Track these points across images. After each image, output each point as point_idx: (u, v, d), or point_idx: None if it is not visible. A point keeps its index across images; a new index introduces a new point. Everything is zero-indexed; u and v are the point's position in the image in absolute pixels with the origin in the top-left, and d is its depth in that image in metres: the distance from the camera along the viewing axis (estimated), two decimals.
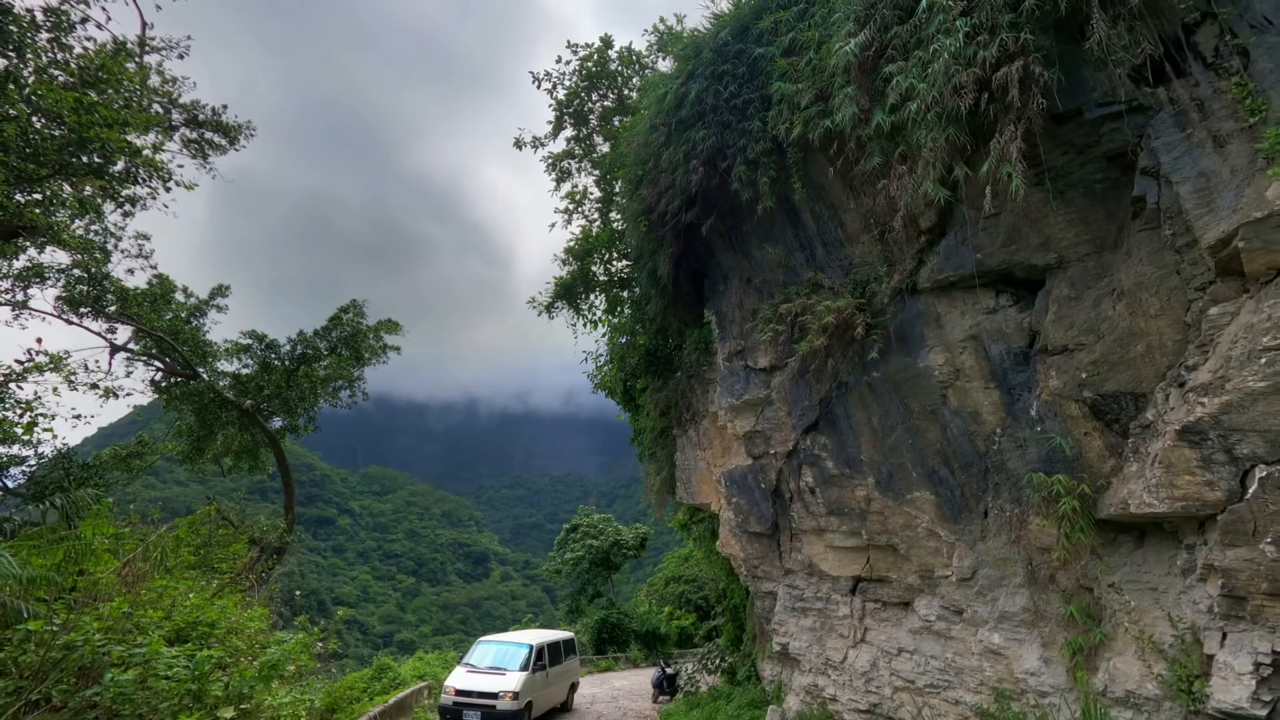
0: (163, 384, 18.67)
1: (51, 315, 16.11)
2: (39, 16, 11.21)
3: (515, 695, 14.23)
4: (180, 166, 21.63)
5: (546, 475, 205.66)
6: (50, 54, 11.34)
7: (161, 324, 17.70)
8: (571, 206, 18.20)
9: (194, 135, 16.12)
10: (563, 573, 35.74)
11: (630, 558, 36.69)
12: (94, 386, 16.56)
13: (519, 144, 18.00)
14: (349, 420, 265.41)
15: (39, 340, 12.25)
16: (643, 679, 23.76)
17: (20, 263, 15.08)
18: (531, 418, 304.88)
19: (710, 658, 18.48)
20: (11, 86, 10.49)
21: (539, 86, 18.03)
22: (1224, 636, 5.62)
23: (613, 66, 17.61)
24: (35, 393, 13.19)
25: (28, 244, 13.33)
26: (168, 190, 14.10)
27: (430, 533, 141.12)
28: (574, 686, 17.89)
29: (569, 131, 18.19)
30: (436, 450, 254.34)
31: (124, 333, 17.67)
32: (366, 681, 16.11)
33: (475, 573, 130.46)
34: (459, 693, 14.37)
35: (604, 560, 35.46)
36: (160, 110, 15.21)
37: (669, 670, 19.40)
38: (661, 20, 17.51)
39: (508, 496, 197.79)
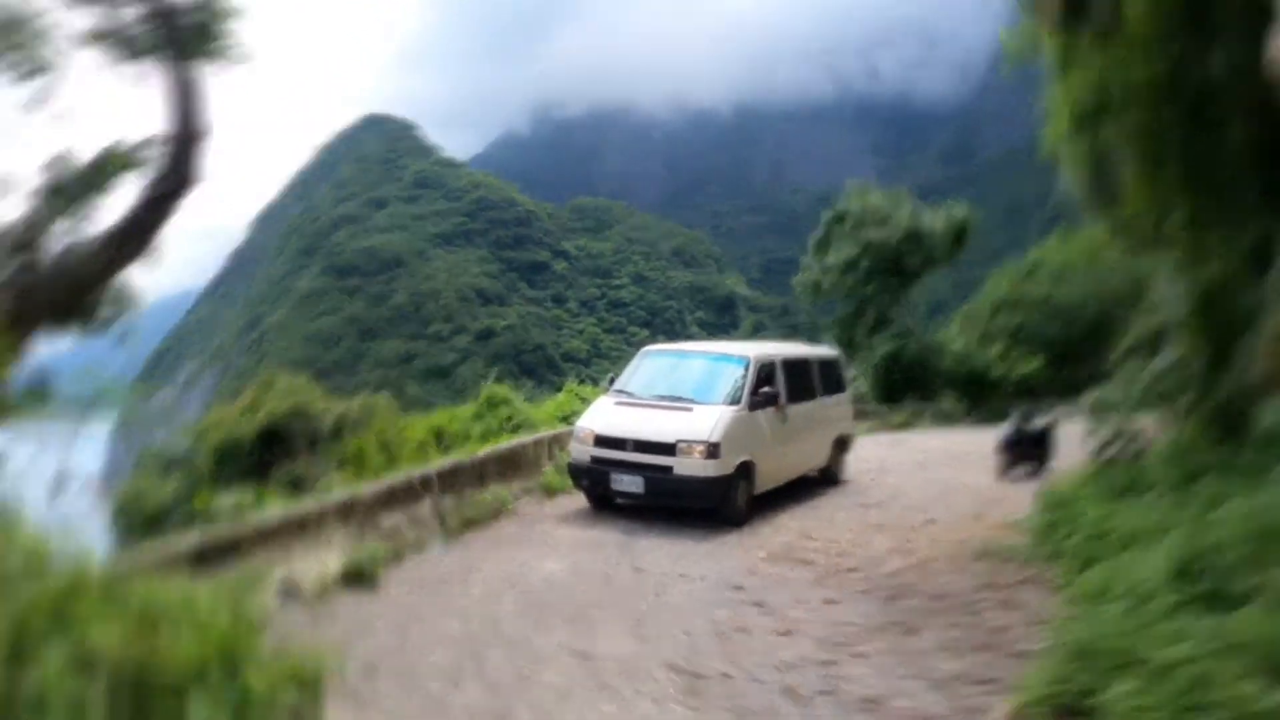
0: None
1: None
2: None
3: (712, 450, 8.84)
4: None
5: (802, 191, 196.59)
6: None
7: None
8: None
9: None
10: (822, 287, 29.71)
11: (936, 263, 29.30)
12: None
13: None
14: (546, 143, 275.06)
15: None
16: (968, 441, 18.15)
17: None
18: (779, 111, 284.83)
19: (1155, 385, 11.34)
20: None
21: None
22: None
23: None
24: None
25: None
26: None
27: (660, 275, 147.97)
28: (842, 443, 12.33)
29: None
30: (655, 170, 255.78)
31: None
32: (463, 422, 12.38)
33: (721, 322, 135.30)
34: (603, 442, 9.43)
35: (892, 265, 28.42)
36: None
37: (1035, 425, 13.27)
38: None
39: (750, 225, 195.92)
